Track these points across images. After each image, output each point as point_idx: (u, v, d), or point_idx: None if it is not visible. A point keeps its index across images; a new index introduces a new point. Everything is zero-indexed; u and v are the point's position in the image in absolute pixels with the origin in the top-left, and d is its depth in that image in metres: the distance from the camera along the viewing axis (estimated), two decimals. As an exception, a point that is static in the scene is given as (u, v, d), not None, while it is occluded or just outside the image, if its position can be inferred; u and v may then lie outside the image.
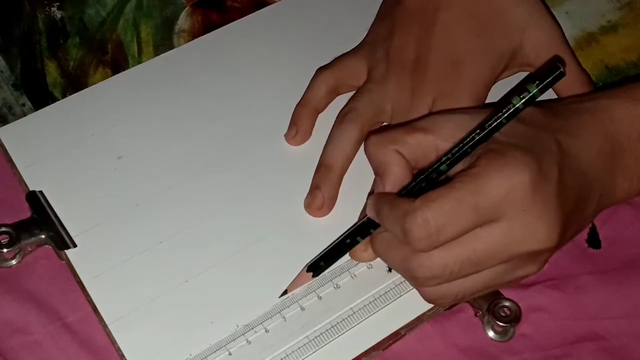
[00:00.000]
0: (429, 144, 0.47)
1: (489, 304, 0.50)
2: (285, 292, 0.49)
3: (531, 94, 0.45)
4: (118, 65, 0.63)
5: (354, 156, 0.54)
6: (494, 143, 0.45)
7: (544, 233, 0.44)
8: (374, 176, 0.50)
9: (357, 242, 0.49)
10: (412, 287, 0.50)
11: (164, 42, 0.64)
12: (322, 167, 0.53)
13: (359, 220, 0.50)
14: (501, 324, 0.49)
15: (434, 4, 0.55)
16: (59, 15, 0.64)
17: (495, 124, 0.45)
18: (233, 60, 0.60)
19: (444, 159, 0.46)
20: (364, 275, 0.51)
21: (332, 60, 0.58)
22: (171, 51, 0.61)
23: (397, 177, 0.47)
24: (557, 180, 0.44)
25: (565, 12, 0.60)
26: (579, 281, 0.52)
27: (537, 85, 0.45)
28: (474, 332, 0.50)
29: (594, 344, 0.50)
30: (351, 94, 0.56)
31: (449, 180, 0.44)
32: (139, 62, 0.63)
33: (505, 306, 0.50)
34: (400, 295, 0.50)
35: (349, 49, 0.58)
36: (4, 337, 0.49)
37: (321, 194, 0.52)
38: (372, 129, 0.54)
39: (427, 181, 0.46)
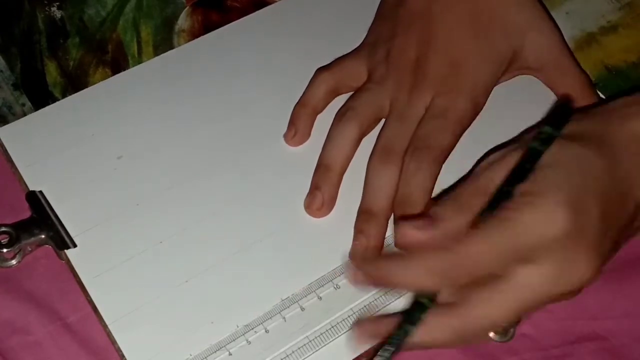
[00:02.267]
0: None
1: (489, 304, 0.50)
2: None
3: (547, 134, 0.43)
4: (118, 65, 0.63)
5: (353, 155, 0.54)
6: (528, 181, 0.43)
7: (577, 278, 0.43)
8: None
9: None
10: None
11: (164, 42, 0.64)
12: (321, 167, 0.53)
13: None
14: (501, 324, 0.49)
15: (437, 6, 0.55)
16: (59, 15, 0.64)
17: (511, 183, 0.43)
18: (233, 61, 0.60)
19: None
20: (364, 275, 0.51)
21: (332, 62, 0.58)
22: (171, 51, 0.61)
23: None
24: (598, 216, 0.43)
25: (565, 12, 0.60)
26: (579, 281, 0.52)
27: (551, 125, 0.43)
28: (474, 332, 0.50)
29: (594, 344, 0.50)
30: (350, 94, 0.56)
31: None
32: (139, 62, 0.63)
33: (506, 306, 0.50)
34: (401, 295, 0.50)
35: (349, 50, 0.58)
36: (4, 337, 0.49)
37: (321, 194, 0.52)
38: (370, 128, 0.54)
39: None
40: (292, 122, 0.56)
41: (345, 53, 0.58)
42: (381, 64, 0.55)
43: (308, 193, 0.53)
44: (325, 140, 0.54)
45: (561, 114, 0.44)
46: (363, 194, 0.52)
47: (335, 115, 0.55)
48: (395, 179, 0.51)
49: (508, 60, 0.55)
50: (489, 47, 0.55)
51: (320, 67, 0.57)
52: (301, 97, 0.56)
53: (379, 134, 0.54)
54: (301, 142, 0.55)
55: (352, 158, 0.54)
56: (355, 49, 0.58)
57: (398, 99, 0.54)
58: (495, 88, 0.56)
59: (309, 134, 0.55)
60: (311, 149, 0.55)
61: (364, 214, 0.51)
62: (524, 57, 0.56)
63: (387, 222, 0.51)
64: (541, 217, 0.41)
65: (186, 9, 0.65)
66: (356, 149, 0.54)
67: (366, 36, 0.59)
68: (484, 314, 0.42)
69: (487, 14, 0.55)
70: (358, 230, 0.51)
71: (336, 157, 0.53)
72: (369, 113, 0.54)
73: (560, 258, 0.42)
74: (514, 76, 0.57)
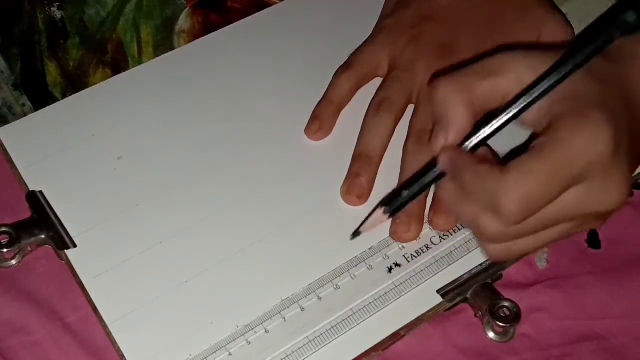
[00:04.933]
0: (502, 90, 0.45)
1: (489, 304, 0.50)
2: (358, 233, 0.48)
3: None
4: (118, 65, 0.63)
5: (388, 144, 0.55)
6: (568, 99, 0.43)
7: (617, 194, 0.43)
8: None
9: (428, 187, 0.46)
10: (412, 288, 0.50)
11: (164, 43, 0.64)
12: (362, 157, 0.54)
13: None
14: (501, 324, 0.49)
15: (462, 2, 0.57)
16: (59, 16, 0.64)
17: (571, 66, 0.42)
18: (233, 61, 0.60)
19: (515, 109, 0.44)
20: (363, 275, 0.51)
21: (351, 57, 0.58)
22: (171, 52, 0.61)
23: (463, 128, 0.45)
24: (627, 141, 0.44)
25: (565, 13, 0.60)
26: (579, 281, 0.52)
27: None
28: (474, 332, 0.50)
29: (594, 344, 0.50)
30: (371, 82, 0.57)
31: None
32: (139, 63, 0.63)
33: (505, 306, 0.50)
34: (400, 296, 0.50)
35: (349, 50, 0.59)
36: (4, 337, 0.49)
37: (362, 181, 0.53)
38: (402, 114, 0.55)
39: (493, 133, 0.45)
40: (315, 117, 0.56)
41: (345, 53, 0.58)
42: (407, 49, 0.56)
43: (346, 181, 0.53)
44: (362, 130, 0.55)
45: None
46: (400, 176, 0.53)
47: (370, 107, 0.55)
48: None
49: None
50: (513, 38, 0.56)
51: (341, 67, 0.58)
52: (325, 94, 0.57)
53: (412, 118, 0.55)
54: (324, 137, 0.56)
55: (387, 147, 0.55)
56: (372, 36, 0.59)
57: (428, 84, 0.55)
58: None
59: (332, 130, 0.56)
60: (312, 149, 0.55)
61: (403, 216, 0.52)
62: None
63: (426, 201, 0.52)
64: (589, 137, 0.42)
65: (186, 9, 0.65)
66: (391, 138, 0.55)
67: (381, 23, 0.59)
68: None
69: (510, 8, 0.57)
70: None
71: (376, 146, 0.54)
72: (402, 102, 0.55)
73: (600, 180, 0.42)
74: None
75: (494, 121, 0.44)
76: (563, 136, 0.42)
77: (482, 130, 0.44)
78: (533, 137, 0.44)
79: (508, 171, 0.42)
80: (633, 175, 0.47)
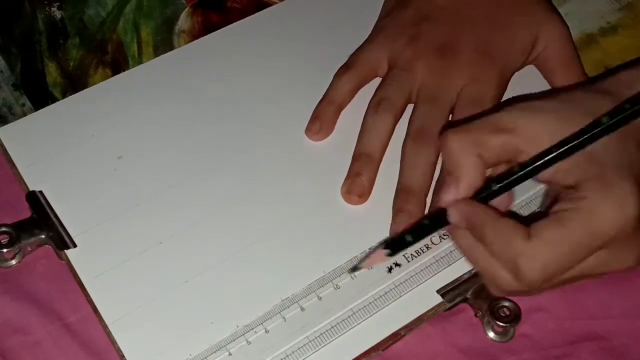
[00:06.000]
0: (512, 147, 0.45)
1: (489, 304, 0.50)
2: (356, 269, 0.49)
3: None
4: (118, 65, 0.63)
5: (388, 144, 0.55)
6: (590, 163, 0.43)
7: (636, 257, 0.44)
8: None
9: (434, 231, 0.46)
10: (412, 288, 0.50)
11: (164, 43, 0.64)
12: (362, 156, 0.54)
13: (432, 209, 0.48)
14: (501, 324, 0.49)
15: (461, 2, 0.57)
16: (59, 16, 0.64)
17: (595, 132, 0.42)
18: (233, 61, 0.60)
19: (529, 168, 0.44)
20: (363, 275, 0.50)
21: (351, 57, 0.58)
22: (171, 52, 0.61)
23: (474, 181, 0.45)
24: None
25: (564, 13, 0.60)
26: (579, 281, 0.52)
27: None
28: (474, 332, 0.50)
29: (594, 344, 0.50)
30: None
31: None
32: (139, 63, 0.63)
33: (505, 306, 0.50)
34: (400, 296, 0.50)
35: (349, 50, 0.59)
36: (4, 337, 0.49)
37: (363, 180, 0.53)
38: (402, 114, 0.55)
39: (505, 188, 0.45)
40: (316, 118, 0.56)
41: (345, 54, 0.58)
42: (406, 49, 0.56)
43: (346, 180, 0.53)
44: (363, 130, 0.55)
45: None
46: (400, 175, 0.53)
47: (369, 106, 0.55)
48: (432, 159, 0.52)
49: (529, 50, 0.57)
50: (512, 37, 0.57)
51: (342, 67, 0.58)
52: (325, 94, 0.57)
53: (411, 117, 0.55)
54: (324, 137, 0.56)
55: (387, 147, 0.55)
56: (370, 37, 0.59)
57: (429, 83, 0.55)
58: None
59: (332, 130, 0.56)
60: (312, 150, 0.55)
61: (403, 193, 0.52)
62: (536, 48, 0.58)
63: (426, 200, 0.52)
64: (615, 208, 0.42)
65: (186, 9, 0.65)
66: (391, 137, 0.55)
67: (380, 23, 0.59)
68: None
69: (509, 6, 0.57)
70: (398, 209, 0.52)
71: (376, 146, 0.54)
72: (402, 101, 0.55)
73: (622, 245, 0.43)
74: (525, 65, 0.59)
75: (509, 179, 0.44)
76: (589, 207, 0.42)
77: (494, 186, 0.44)
78: (549, 194, 0.44)
79: (532, 239, 0.42)
80: None
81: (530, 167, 0.44)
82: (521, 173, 0.44)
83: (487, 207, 0.44)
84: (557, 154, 0.43)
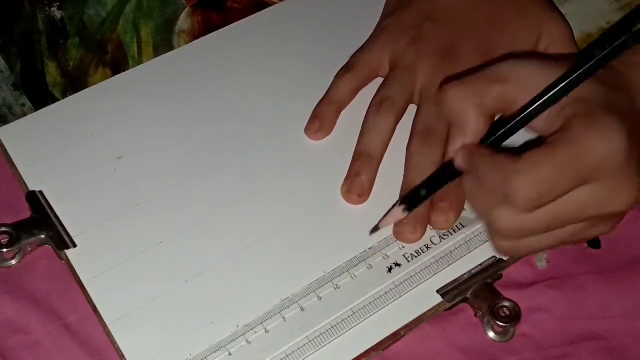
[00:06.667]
0: (510, 96, 0.46)
1: (489, 304, 0.50)
2: (377, 229, 0.50)
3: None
4: (118, 65, 0.63)
5: (389, 144, 0.55)
6: (579, 102, 0.44)
7: (627, 194, 0.44)
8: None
9: (445, 183, 0.48)
10: (412, 288, 0.50)
11: (164, 43, 0.64)
12: (362, 156, 0.54)
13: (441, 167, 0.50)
14: (501, 324, 0.49)
15: (463, 3, 0.58)
16: (59, 15, 0.64)
17: (583, 73, 0.44)
18: (233, 61, 0.60)
19: (527, 112, 0.45)
20: (363, 275, 0.51)
21: (352, 58, 0.58)
22: (171, 52, 0.61)
23: (478, 130, 0.47)
24: (635, 143, 0.44)
25: (565, 13, 0.60)
26: (579, 281, 0.52)
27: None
28: (474, 332, 0.50)
29: (594, 343, 0.50)
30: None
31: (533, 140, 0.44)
32: (139, 63, 0.63)
33: (505, 306, 0.50)
34: (400, 296, 0.50)
35: (349, 50, 0.59)
36: (4, 337, 0.49)
37: (363, 180, 0.53)
38: (403, 114, 0.56)
39: (508, 134, 0.46)
40: (316, 117, 0.56)
41: (345, 54, 0.58)
42: (409, 50, 0.56)
43: (346, 180, 0.53)
44: (364, 130, 0.55)
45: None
46: (406, 174, 0.53)
47: (371, 106, 0.56)
48: (438, 159, 0.52)
49: (530, 50, 0.57)
50: (514, 38, 0.57)
51: (343, 68, 0.58)
52: (326, 94, 0.57)
53: (416, 118, 0.55)
54: (323, 137, 0.56)
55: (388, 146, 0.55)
56: (371, 38, 0.59)
57: (430, 84, 0.55)
58: None
59: (332, 129, 0.56)
60: (312, 150, 0.55)
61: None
62: (538, 48, 0.58)
63: (430, 204, 0.52)
64: (601, 136, 0.43)
65: (186, 9, 0.65)
66: (392, 137, 0.55)
67: (382, 24, 0.59)
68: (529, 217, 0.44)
69: (511, 6, 0.58)
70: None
71: (377, 145, 0.54)
72: (404, 102, 0.55)
73: (611, 181, 0.43)
74: None
75: (508, 125, 0.45)
76: (575, 134, 0.43)
77: (497, 133, 0.46)
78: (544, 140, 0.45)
79: (520, 161, 0.43)
80: None
81: (529, 109, 0.45)
82: (520, 117, 0.45)
83: (485, 146, 0.46)
84: (551, 95, 0.44)
